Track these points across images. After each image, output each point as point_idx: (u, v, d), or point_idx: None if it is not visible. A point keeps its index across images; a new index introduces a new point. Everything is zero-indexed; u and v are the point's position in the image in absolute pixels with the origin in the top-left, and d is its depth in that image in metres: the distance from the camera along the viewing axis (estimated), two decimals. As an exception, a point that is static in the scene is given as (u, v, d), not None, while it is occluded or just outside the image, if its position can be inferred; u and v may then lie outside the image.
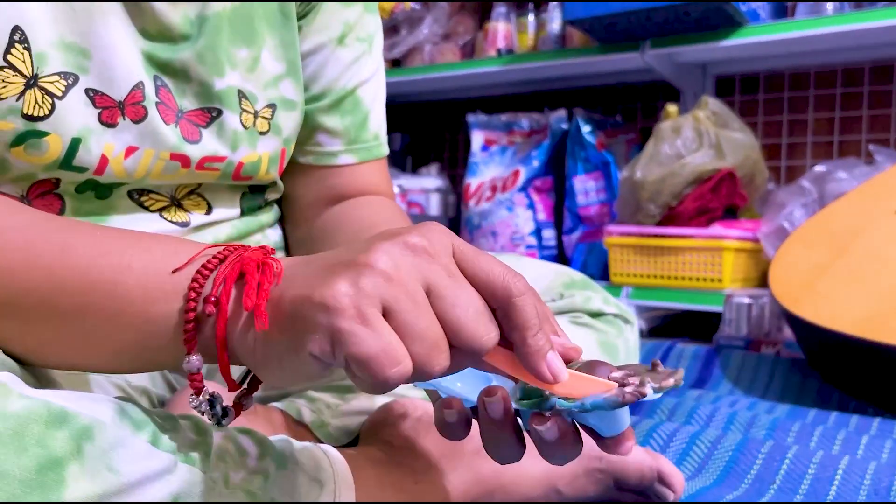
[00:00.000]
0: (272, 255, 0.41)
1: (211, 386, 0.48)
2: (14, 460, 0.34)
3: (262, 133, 0.66)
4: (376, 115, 0.75)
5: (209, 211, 0.66)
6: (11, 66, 0.50)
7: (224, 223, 0.68)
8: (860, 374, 1.03)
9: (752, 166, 1.65)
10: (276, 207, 0.76)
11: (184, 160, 0.61)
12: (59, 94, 0.53)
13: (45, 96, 0.52)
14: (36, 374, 0.45)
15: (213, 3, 0.61)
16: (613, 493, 0.64)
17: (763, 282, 1.65)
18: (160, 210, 0.63)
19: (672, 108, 1.71)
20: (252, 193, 0.71)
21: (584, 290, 0.84)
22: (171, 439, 0.42)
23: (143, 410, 0.43)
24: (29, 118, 0.51)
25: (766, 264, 1.65)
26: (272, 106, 0.66)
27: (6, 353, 0.42)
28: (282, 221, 0.78)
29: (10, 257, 0.41)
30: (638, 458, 0.64)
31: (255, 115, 0.65)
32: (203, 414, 0.42)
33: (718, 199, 1.61)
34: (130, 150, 0.57)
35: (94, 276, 0.41)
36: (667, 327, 1.71)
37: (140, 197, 0.62)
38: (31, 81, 0.51)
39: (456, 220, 2.22)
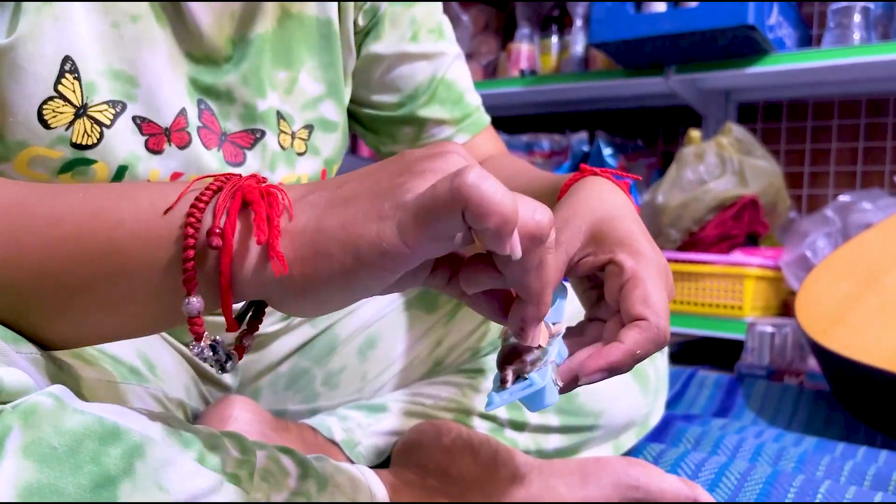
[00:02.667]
0: (275, 185, 0.39)
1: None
2: (70, 478, 0.34)
3: (299, 154, 0.66)
4: (469, 89, 0.78)
5: None
6: (62, 96, 0.51)
7: None
8: (889, 408, 1.01)
9: (774, 194, 1.65)
10: None
11: None
12: (108, 122, 0.53)
13: (94, 125, 0.52)
14: (76, 383, 0.44)
15: (257, 25, 0.61)
16: None
17: (783, 311, 1.64)
18: None
19: (695, 133, 1.71)
20: None
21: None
22: (218, 458, 0.42)
23: (189, 427, 0.42)
24: (77, 147, 0.52)
25: (786, 293, 1.64)
26: (309, 127, 0.67)
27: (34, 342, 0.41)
28: None
29: None
30: (675, 487, 0.63)
31: (293, 136, 0.66)
32: (206, 361, 0.40)
33: (740, 227, 1.61)
34: (175, 176, 0.57)
35: (88, 241, 0.39)
36: (684, 353, 1.70)
37: None
38: (81, 111, 0.52)
39: (473, 239, 2.21)
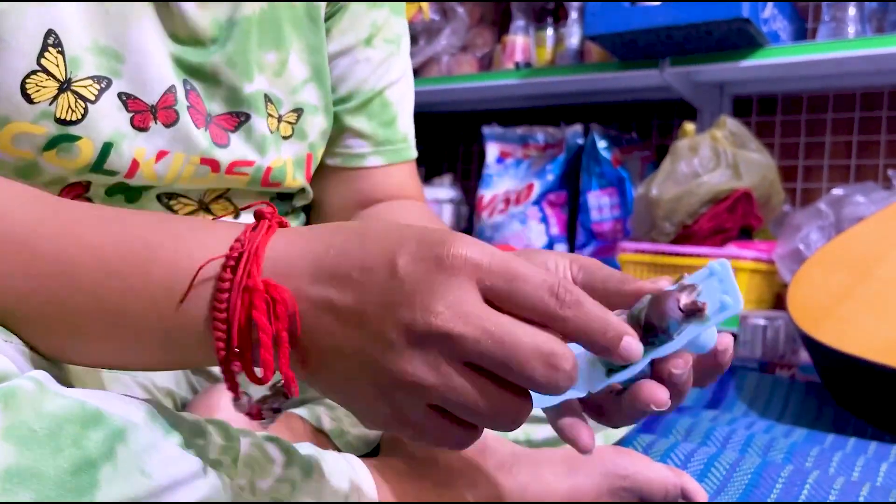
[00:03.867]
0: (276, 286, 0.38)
1: None
2: (50, 461, 0.34)
3: (285, 137, 0.65)
4: (405, 116, 0.75)
5: (237, 216, 0.66)
6: (45, 70, 0.50)
7: None
8: (880, 400, 1.02)
9: (768, 187, 1.65)
10: (302, 215, 0.75)
11: (213, 165, 0.60)
12: (93, 98, 0.52)
13: (79, 100, 0.52)
14: (63, 373, 0.44)
15: (243, 7, 0.60)
16: None
17: (777, 304, 1.64)
18: (188, 214, 0.63)
19: (689, 126, 1.71)
20: (280, 200, 0.70)
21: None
22: (201, 444, 0.42)
23: (174, 414, 0.42)
24: (62, 122, 0.51)
25: (780, 286, 1.64)
26: (298, 111, 0.66)
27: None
28: None
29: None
30: (662, 475, 0.63)
31: (280, 119, 0.65)
32: (259, 416, 0.41)
33: (734, 220, 1.61)
34: (161, 155, 0.57)
35: (98, 309, 0.39)
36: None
37: (169, 201, 0.62)
38: (65, 85, 0.51)
39: (468, 231, 2.21)
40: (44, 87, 0.50)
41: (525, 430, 0.74)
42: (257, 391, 0.41)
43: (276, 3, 0.62)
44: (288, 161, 0.66)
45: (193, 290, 0.38)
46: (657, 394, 0.38)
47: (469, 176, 2.37)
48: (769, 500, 0.74)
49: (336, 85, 0.70)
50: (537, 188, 1.96)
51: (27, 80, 0.50)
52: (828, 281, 1.13)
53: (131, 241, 0.39)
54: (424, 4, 2.12)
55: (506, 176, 2.03)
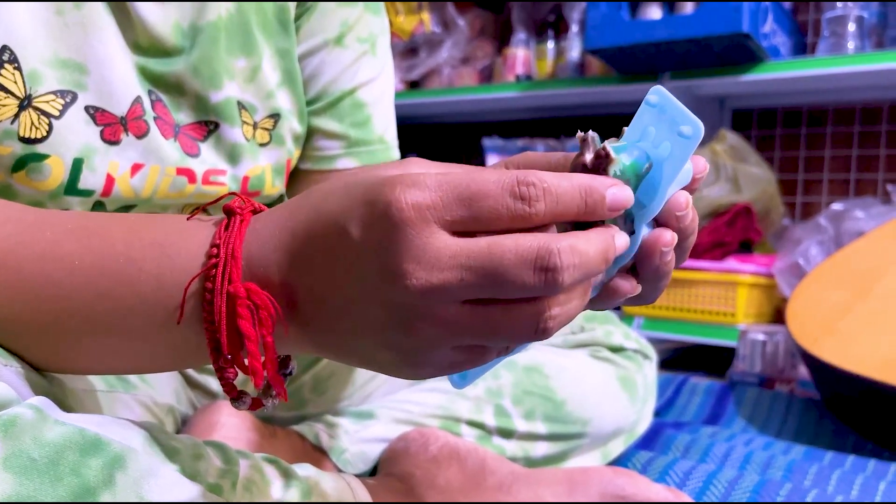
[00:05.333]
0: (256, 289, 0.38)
1: None
2: (49, 490, 0.34)
3: (262, 144, 0.63)
4: (381, 117, 0.71)
5: None
6: (3, 88, 0.48)
7: None
8: (879, 418, 1.02)
9: (768, 201, 1.65)
10: None
11: (190, 175, 0.58)
12: (56, 113, 0.51)
13: (42, 117, 0.50)
14: (62, 394, 0.44)
15: (208, 12, 0.58)
16: None
17: (776, 318, 1.64)
18: None
19: (690, 140, 1.71)
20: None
21: (604, 324, 0.84)
22: (200, 468, 0.42)
23: (172, 437, 0.42)
24: (26, 141, 0.49)
25: (779, 300, 1.64)
26: (275, 116, 0.64)
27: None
28: None
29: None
30: (660, 496, 0.63)
31: (255, 126, 0.63)
32: (260, 405, 0.41)
33: (734, 233, 1.61)
34: (136, 168, 0.55)
35: (93, 322, 0.39)
36: (678, 360, 1.70)
37: None
38: (25, 102, 0.49)
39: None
40: (3, 105, 0.48)
41: (524, 448, 0.74)
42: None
43: (244, 7, 0.60)
44: (267, 168, 0.64)
45: (185, 304, 0.38)
46: (663, 235, 0.38)
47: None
48: (768, 520, 0.74)
49: (305, 86, 0.67)
50: (537, 200, 1.96)
51: None
52: (827, 297, 1.13)
53: (115, 259, 0.39)
54: (426, 16, 2.13)
55: (506, 188, 2.03)
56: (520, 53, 2.03)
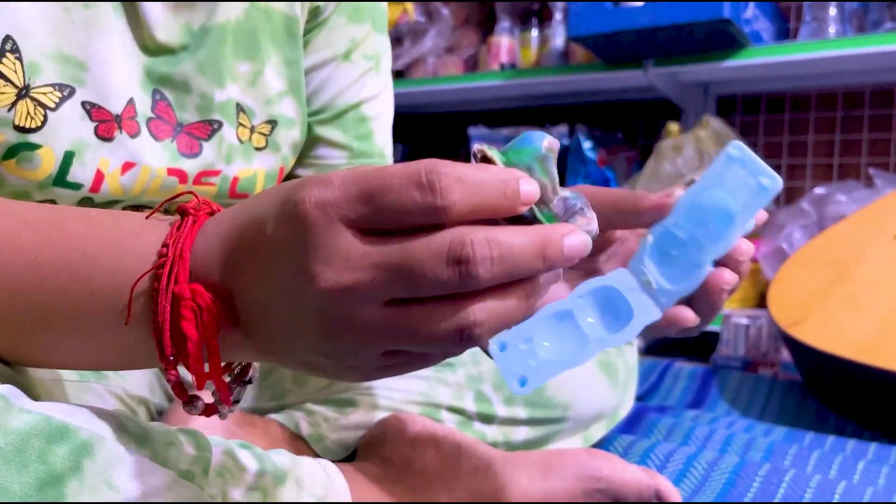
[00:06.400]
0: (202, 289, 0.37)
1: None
2: (15, 477, 0.34)
3: (258, 149, 0.64)
4: (381, 132, 0.73)
5: None
6: (2, 76, 0.49)
7: None
8: (858, 398, 1.03)
9: (752, 187, 1.65)
10: None
11: (181, 176, 0.59)
12: (53, 105, 0.51)
13: (38, 107, 0.51)
14: (30, 383, 0.45)
15: (218, 14, 0.59)
16: None
17: (760, 302, 1.65)
18: None
19: (673, 126, 1.72)
20: None
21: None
22: (171, 455, 0.42)
23: (143, 425, 0.42)
24: (20, 129, 0.50)
25: (763, 285, 1.65)
26: (272, 122, 0.65)
27: None
28: None
29: None
30: (636, 477, 0.64)
31: (252, 130, 0.64)
32: (215, 411, 0.41)
33: (718, 219, 1.62)
34: (127, 167, 0.56)
35: (50, 318, 0.39)
36: (662, 346, 1.71)
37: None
38: (23, 92, 0.50)
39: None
40: (2, 93, 0.49)
41: (504, 433, 0.74)
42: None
43: (253, 15, 0.62)
44: (259, 172, 0.65)
45: (135, 302, 0.38)
46: (724, 275, 0.41)
47: (456, 177, 2.38)
48: (745, 500, 0.74)
49: (311, 98, 0.69)
50: (523, 189, 1.96)
51: None
52: (808, 280, 1.14)
53: (70, 254, 0.39)
54: (409, 6, 2.13)
55: (492, 177, 2.03)
56: (504, 42, 2.02)
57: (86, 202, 0.56)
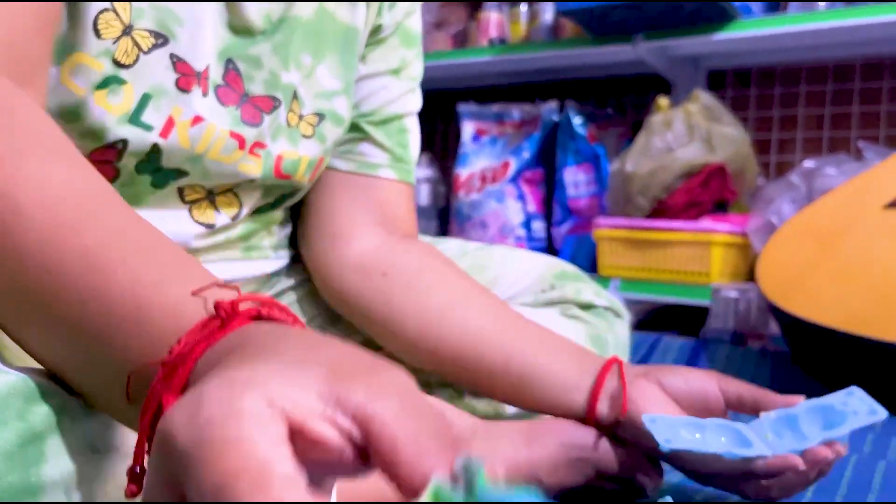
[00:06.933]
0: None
1: None
2: None
3: (305, 136, 0.69)
4: (414, 146, 0.80)
5: (238, 214, 0.68)
6: (115, 11, 0.54)
7: (239, 224, 0.70)
8: (845, 369, 1.03)
9: (742, 161, 1.65)
10: (285, 209, 0.76)
11: (241, 141, 0.64)
12: (146, 49, 0.57)
13: (134, 47, 0.56)
14: (3, 346, 0.44)
15: (296, 8, 0.66)
16: (594, 482, 0.64)
17: (750, 277, 1.65)
18: (192, 203, 0.65)
19: (663, 101, 1.71)
20: (276, 205, 0.73)
21: (575, 282, 0.84)
22: None
23: None
24: (117, 64, 0.55)
25: (754, 259, 1.65)
26: (320, 115, 0.70)
27: None
28: (293, 232, 0.80)
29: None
30: (619, 451, 0.63)
31: (301, 117, 0.69)
32: None
33: (708, 193, 1.61)
34: (197, 120, 0.60)
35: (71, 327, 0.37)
36: (654, 320, 1.71)
37: (183, 190, 0.65)
38: (128, 30, 0.56)
39: (445, 210, 2.21)
40: (112, 26, 0.54)
41: (494, 406, 0.75)
42: None
43: (321, 17, 0.68)
44: (304, 158, 0.69)
45: (135, 382, 0.35)
46: (795, 460, 0.56)
47: (446, 155, 2.37)
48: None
49: (360, 102, 0.76)
50: (513, 165, 1.96)
51: (100, 16, 0.54)
52: (795, 252, 1.14)
53: (95, 318, 0.36)
54: (398, -18, 2.11)
55: (482, 154, 2.03)
56: (493, 17, 2.01)
57: (154, 155, 0.60)
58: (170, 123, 0.59)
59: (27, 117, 0.40)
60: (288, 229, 0.79)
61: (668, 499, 0.56)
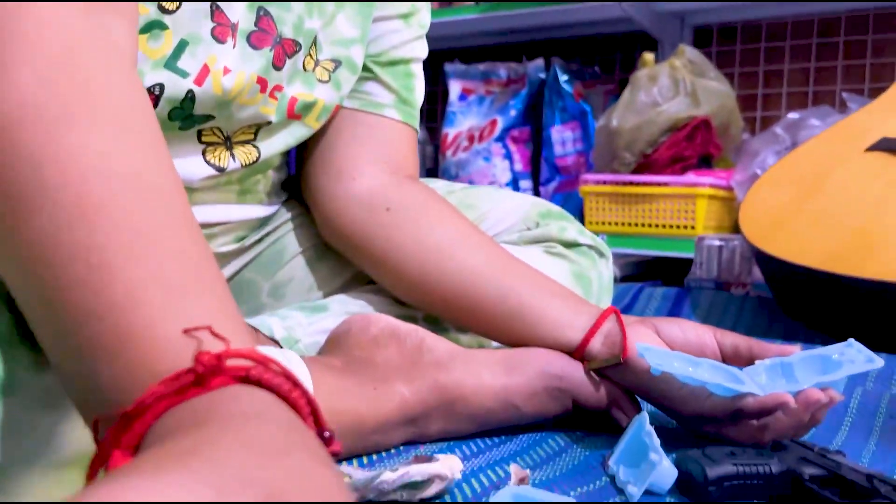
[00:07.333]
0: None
1: None
2: None
3: (321, 81, 0.72)
4: (419, 92, 0.81)
5: (253, 162, 0.71)
6: None
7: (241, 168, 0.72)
8: (826, 309, 1.04)
9: (727, 115, 1.66)
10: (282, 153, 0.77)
11: (263, 84, 0.67)
12: None
13: None
14: None
15: None
16: (571, 413, 0.65)
17: (736, 229, 1.66)
18: (208, 145, 0.68)
19: (649, 56, 1.70)
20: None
21: (559, 220, 0.85)
22: None
23: None
24: (162, 10, 0.58)
25: (737, 212, 1.66)
26: (336, 62, 0.73)
27: None
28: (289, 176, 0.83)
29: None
30: (597, 381, 0.64)
31: (317, 62, 0.72)
32: None
33: (693, 148, 1.62)
34: (226, 72, 0.63)
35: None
36: (640, 276, 1.72)
37: (201, 134, 0.68)
38: None
39: (434, 171, 2.21)
40: None
41: (479, 340, 0.75)
42: None
43: None
44: (320, 102, 0.72)
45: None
46: (789, 400, 0.56)
47: (434, 116, 2.36)
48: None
49: (369, 43, 0.77)
50: (500, 124, 1.96)
51: None
52: (777, 197, 1.15)
53: (95, 322, 0.30)
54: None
55: (469, 113, 2.02)
56: (479, -25, 1.99)
57: (188, 103, 0.63)
58: (205, 71, 0.62)
59: (96, 72, 0.33)
60: (283, 174, 0.81)
61: (645, 416, 0.56)
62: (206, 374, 0.28)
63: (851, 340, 0.60)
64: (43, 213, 0.30)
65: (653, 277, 1.69)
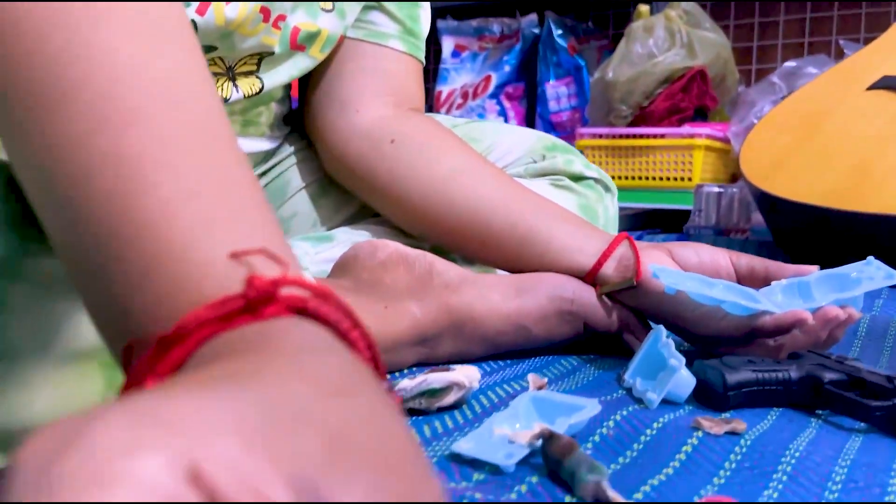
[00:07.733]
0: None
1: None
2: None
3: (325, 10, 0.70)
4: (425, 22, 0.78)
5: (259, 91, 0.70)
6: None
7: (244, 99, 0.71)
8: (827, 246, 1.04)
9: (723, 66, 1.65)
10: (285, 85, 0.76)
11: (266, 14, 0.66)
12: None
13: None
14: None
15: None
16: (582, 336, 0.64)
17: (733, 180, 1.66)
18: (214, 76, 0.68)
19: (644, 7, 1.69)
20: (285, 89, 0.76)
21: (565, 153, 0.84)
22: None
23: None
24: None
25: (735, 164, 1.65)
26: None
27: None
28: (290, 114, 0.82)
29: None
30: (609, 304, 0.64)
31: None
32: None
33: (689, 99, 1.61)
34: None
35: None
36: (638, 229, 1.72)
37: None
38: None
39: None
40: None
41: (486, 269, 0.74)
42: None
43: None
44: (324, 31, 0.70)
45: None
46: (806, 316, 0.55)
47: (427, 76, 2.34)
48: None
49: None
50: (494, 80, 1.94)
51: None
52: (777, 138, 1.14)
53: (124, 241, 0.27)
54: None
55: (462, 70, 2.01)
56: (470, -71, 1.97)
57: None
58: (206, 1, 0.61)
59: None
60: (285, 107, 0.79)
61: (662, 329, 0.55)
62: (258, 301, 0.25)
63: (871, 258, 0.59)
64: (66, 116, 0.27)
65: (647, 225, 1.68)
